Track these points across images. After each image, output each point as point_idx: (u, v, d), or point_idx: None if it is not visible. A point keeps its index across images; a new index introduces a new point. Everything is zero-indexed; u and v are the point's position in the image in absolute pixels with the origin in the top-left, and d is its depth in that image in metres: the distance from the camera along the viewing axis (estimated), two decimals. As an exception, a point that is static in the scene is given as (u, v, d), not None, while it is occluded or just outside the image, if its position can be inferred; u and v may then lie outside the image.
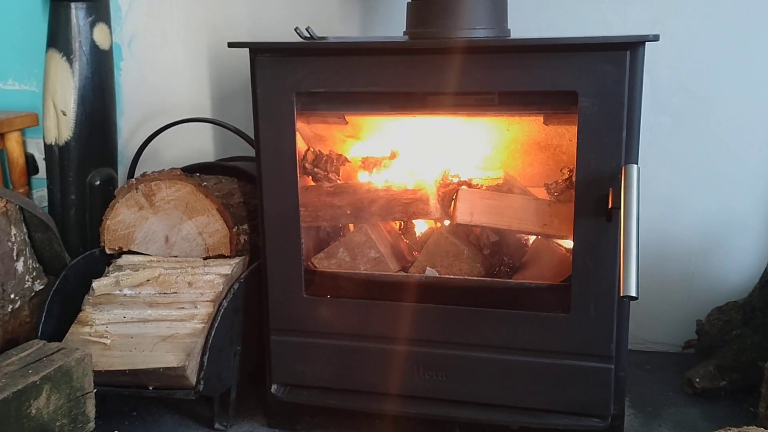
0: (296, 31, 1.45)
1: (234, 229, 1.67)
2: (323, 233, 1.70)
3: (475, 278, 1.54)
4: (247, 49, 1.45)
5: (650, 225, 1.81)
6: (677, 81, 1.77)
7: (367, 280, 1.56)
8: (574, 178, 1.37)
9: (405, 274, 1.58)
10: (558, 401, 1.45)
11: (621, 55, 1.29)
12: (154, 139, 1.85)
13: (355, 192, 1.58)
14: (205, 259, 1.68)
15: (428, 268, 1.56)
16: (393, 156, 1.64)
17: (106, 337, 1.56)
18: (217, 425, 1.62)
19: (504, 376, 1.46)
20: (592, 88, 1.31)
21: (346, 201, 1.57)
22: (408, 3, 1.49)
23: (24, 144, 2.12)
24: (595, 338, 1.41)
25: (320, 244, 1.67)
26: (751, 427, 1.14)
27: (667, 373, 1.82)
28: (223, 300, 1.56)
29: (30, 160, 2.15)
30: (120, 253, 1.73)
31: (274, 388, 1.60)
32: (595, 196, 1.33)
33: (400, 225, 1.70)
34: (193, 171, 1.80)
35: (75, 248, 1.88)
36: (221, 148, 2.07)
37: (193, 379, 1.50)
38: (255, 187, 1.58)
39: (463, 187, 1.58)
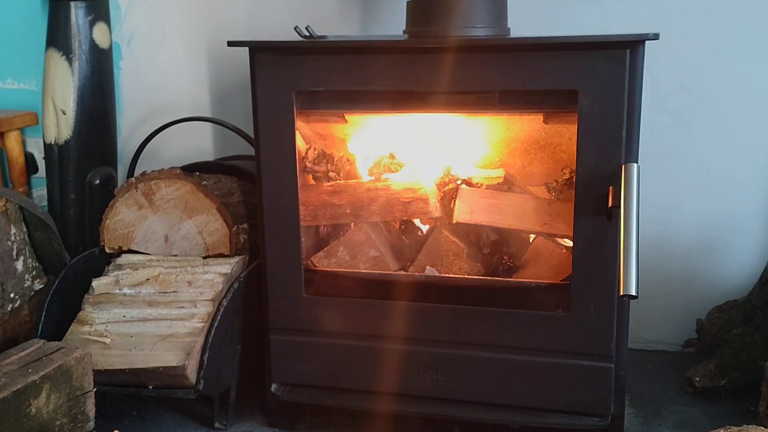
0: (296, 29, 1.44)
1: (233, 228, 1.67)
2: (323, 232, 1.70)
3: (475, 277, 1.54)
4: (247, 48, 1.45)
5: (650, 224, 1.80)
6: (677, 79, 1.76)
7: (367, 279, 1.56)
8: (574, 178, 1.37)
9: (405, 273, 1.58)
10: (558, 400, 1.45)
11: (621, 54, 1.29)
12: (154, 138, 1.85)
13: (355, 191, 1.58)
14: (204, 258, 1.68)
15: (428, 267, 1.56)
16: (392, 157, 1.64)
17: (106, 337, 1.56)
18: (216, 424, 1.62)
19: (504, 375, 1.46)
20: (592, 87, 1.30)
21: (345, 200, 1.57)
22: (408, 2, 1.49)
23: (23, 143, 2.12)
24: (595, 337, 1.41)
25: (320, 243, 1.67)
26: (751, 426, 1.14)
27: (668, 372, 1.82)
28: (222, 299, 1.55)
29: (29, 159, 2.15)
30: (119, 252, 1.73)
31: (273, 387, 1.59)
32: (595, 195, 1.33)
33: (400, 224, 1.69)
34: (192, 170, 1.80)
35: (74, 247, 1.88)
36: (221, 147, 2.06)
37: (192, 379, 1.50)
38: (255, 186, 1.58)
39: (463, 185, 1.58)
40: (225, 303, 1.54)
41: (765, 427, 1.13)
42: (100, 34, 1.87)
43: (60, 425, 1.38)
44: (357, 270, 1.58)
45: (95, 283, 1.63)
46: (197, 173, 1.78)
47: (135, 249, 1.72)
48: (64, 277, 1.65)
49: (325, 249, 1.61)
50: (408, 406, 1.52)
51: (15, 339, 1.56)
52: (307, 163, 1.60)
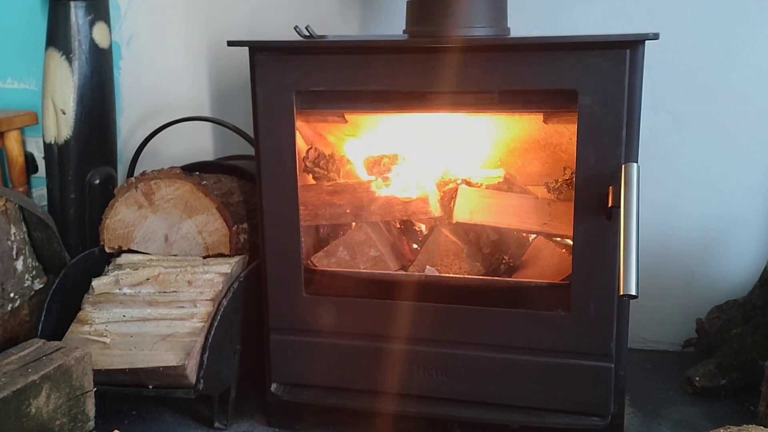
0: (296, 29, 1.44)
1: (233, 228, 1.67)
2: (323, 232, 1.70)
3: (474, 277, 1.54)
4: (247, 48, 1.45)
5: (650, 223, 1.80)
6: (677, 79, 1.76)
7: (366, 279, 1.56)
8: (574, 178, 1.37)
9: (405, 272, 1.58)
10: (558, 400, 1.45)
11: (621, 54, 1.29)
12: (154, 137, 1.85)
13: (355, 191, 1.58)
14: (204, 258, 1.68)
15: (428, 266, 1.56)
16: (394, 158, 1.64)
17: (106, 336, 1.56)
18: (216, 424, 1.62)
19: (504, 374, 1.46)
20: (592, 87, 1.30)
21: (345, 200, 1.57)
22: (408, 1, 1.49)
23: (23, 143, 2.12)
24: (595, 337, 1.41)
25: (320, 242, 1.67)
26: (751, 426, 1.14)
27: (667, 372, 1.82)
28: (222, 299, 1.55)
29: (29, 159, 2.15)
30: (119, 252, 1.73)
31: (273, 387, 1.59)
32: (595, 194, 1.33)
33: (400, 223, 1.69)
34: (192, 170, 1.80)
35: (74, 247, 1.88)
36: (221, 146, 2.06)
37: (192, 378, 1.50)
38: (254, 186, 1.58)
39: (463, 185, 1.58)
40: (225, 303, 1.54)
41: (765, 427, 1.13)
42: (100, 33, 1.87)
43: (60, 425, 1.38)
44: (357, 270, 1.58)
45: (95, 282, 1.63)
46: (197, 173, 1.78)
47: (135, 249, 1.72)
48: (64, 277, 1.65)
49: (325, 249, 1.61)
50: (408, 405, 1.52)
51: (15, 339, 1.56)
52: (307, 163, 1.60)
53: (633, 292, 1.19)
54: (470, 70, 1.35)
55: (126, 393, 1.54)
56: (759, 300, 1.68)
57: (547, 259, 1.53)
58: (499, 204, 1.55)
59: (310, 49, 1.42)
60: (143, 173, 1.71)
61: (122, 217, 1.71)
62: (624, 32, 1.29)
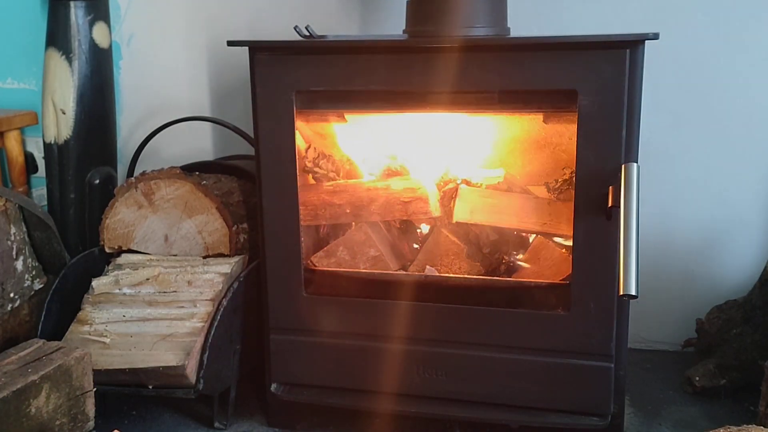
0: (296, 29, 1.44)
1: (233, 228, 1.67)
2: (323, 232, 1.70)
3: (474, 277, 1.54)
4: (247, 48, 1.45)
5: (650, 223, 1.80)
6: (677, 79, 1.76)
7: (366, 279, 1.56)
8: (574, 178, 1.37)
9: (405, 272, 1.58)
10: (558, 400, 1.45)
11: (621, 54, 1.29)
12: (154, 137, 1.85)
13: (355, 191, 1.58)
14: (204, 258, 1.68)
15: (428, 266, 1.56)
16: (393, 158, 1.64)
17: (106, 336, 1.56)
18: (216, 424, 1.62)
19: (504, 374, 1.46)
20: (591, 87, 1.30)
21: (345, 200, 1.57)
22: (408, 1, 1.49)
23: (23, 143, 2.12)
24: (594, 337, 1.41)
25: (320, 243, 1.67)
26: (751, 426, 1.14)
27: (667, 372, 1.82)
28: (222, 299, 1.55)
29: (29, 159, 2.15)
30: (119, 252, 1.73)
31: (273, 387, 1.59)
32: (594, 194, 1.33)
33: (400, 223, 1.69)
34: (192, 170, 1.80)
35: (74, 247, 1.87)
36: (221, 146, 2.06)
37: (192, 378, 1.50)
38: (254, 186, 1.58)
39: (463, 185, 1.58)
40: (225, 303, 1.54)
41: (765, 427, 1.13)
42: (99, 33, 1.87)
43: (60, 425, 1.38)
44: (357, 270, 1.58)
45: (95, 282, 1.63)
46: (197, 173, 1.78)
47: (135, 249, 1.72)
48: (63, 277, 1.65)
49: (325, 249, 1.61)
50: (408, 405, 1.52)
51: (15, 339, 1.56)
52: (307, 163, 1.60)
53: (633, 292, 1.19)
54: (470, 70, 1.35)
55: (126, 393, 1.54)
56: (759, 300, 1.68)
57: (547, 259, 1.53)
58: (499, 204, 1.55)
59: (310, 49, 1.42)
60: (143, 173, 1.71)
61: (122, 217, 1.71)
62: (624, 32, 1.29)
